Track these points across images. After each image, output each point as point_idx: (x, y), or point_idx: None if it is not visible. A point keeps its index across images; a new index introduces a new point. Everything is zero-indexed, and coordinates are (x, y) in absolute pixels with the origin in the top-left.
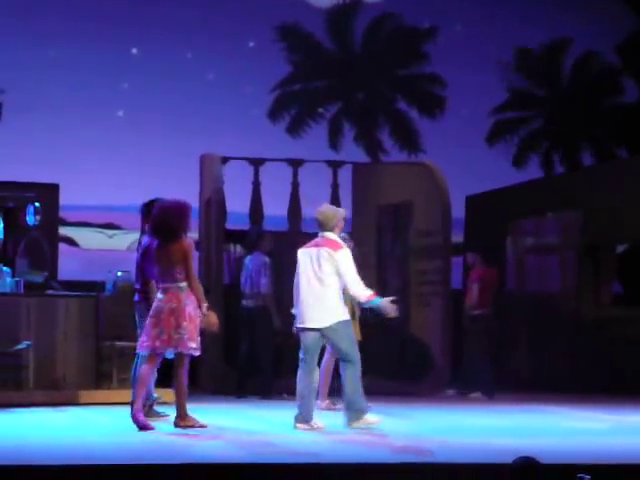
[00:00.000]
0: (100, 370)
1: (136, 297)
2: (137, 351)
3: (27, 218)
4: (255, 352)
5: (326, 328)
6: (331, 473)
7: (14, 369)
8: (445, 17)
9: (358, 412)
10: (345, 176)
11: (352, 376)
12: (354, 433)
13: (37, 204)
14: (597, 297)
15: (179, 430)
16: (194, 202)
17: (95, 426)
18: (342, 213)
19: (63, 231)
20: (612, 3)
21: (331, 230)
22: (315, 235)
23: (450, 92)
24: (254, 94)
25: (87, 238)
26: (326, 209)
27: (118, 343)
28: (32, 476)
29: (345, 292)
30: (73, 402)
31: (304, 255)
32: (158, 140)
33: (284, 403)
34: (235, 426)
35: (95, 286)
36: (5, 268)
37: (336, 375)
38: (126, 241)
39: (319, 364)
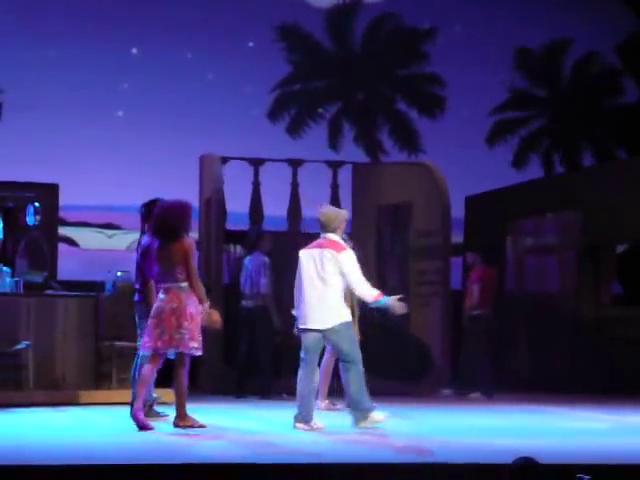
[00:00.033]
0: (100, 370)
1: (136, 297)
2: (139, 351)
3: (27, 218)
4: (254, 352)
5: (328, 329)
6: (332, 473)
7: (14, 369)
8: (445, 17)
9: (364, 411)
10: (345, 176)
11: (355, 377)
12: (355, 433)
13: (37, 204)
14: (597, 297)
15: (179, 430)
16: (194, 202)
17: (95, 426)
18: (344, 214)
19: (63, 231)
20: (612, 3)
21: (333, 231)
22: (315, 235)
23: (450, 92)
24: (254, 94)
25: (87, 238)
26: (328, 210)
27: (118, 343)
28: (32, 476)
29: (346, 292)
30: (73, 402)
31: (306, 256)
32: (158, 140)
33: (284, 403)
34: (235, 426)
35: (95, 286)
36: (5, 268)
37: (336, 375)
38: (126, 241)
39: (319, 364)
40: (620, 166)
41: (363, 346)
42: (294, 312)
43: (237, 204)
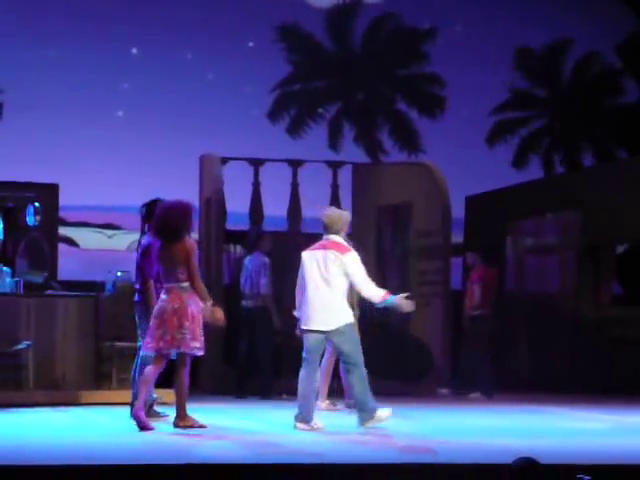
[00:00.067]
0: (100, 370)
1: (136, 297)
2: (142, 352)
3: (27, 218)
4: (255, 352)
5: (331, 331)
6: (333, 473)
7: (14, 369)
8: (445, 17)
9: (370, 411)
10: (345, 176)
11: (358, 378)
12: (356, 433)
13: (37, 204)
14: (597, 297)
15: (179, 430)
16: (194, 202)
17: (95, 426)
18: (347, 216)
19: (63, 231)
20: (612, 4)
21: (336, 233)
22: (315, 236)
23: (450, 92)
24: (254, 94)
25: (87, 238)
26: (332, 212)
27: (118, 343)
28: (32, 476)
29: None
30: (73, 402)
31: (310, 257)
32: (158, 140)
33: (284, 403)
34: (236, 426)
35: (95, 286)
36: (5, 268)
37: (336, 375)
38: (126, 241)
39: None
40: (620, 166)
41: (362, 346)
42: (296, 313)
43: (237, 204)
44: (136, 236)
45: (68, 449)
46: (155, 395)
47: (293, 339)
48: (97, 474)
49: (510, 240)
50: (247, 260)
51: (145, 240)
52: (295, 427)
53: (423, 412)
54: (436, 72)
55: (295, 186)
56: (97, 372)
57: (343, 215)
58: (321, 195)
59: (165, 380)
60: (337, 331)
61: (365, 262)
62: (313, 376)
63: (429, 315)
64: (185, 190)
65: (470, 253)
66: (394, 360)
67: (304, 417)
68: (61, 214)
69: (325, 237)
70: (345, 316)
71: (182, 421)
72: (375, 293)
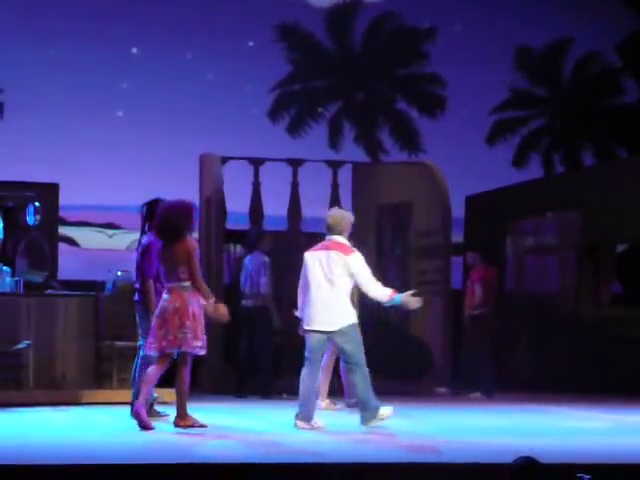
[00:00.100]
0: (100, 370)
1: (136, 297)
2: (145, 352)
3: (27, 218)
4: (255, 352)
5: (334, 331)
6: (336, 472)
7: (14, 369)
8: (445, 17)
9: (373, 410)
10: (345, 176)
11: (360, 378)
12: (357, 433)
13: (37, 204)
14: (597, 297)
15: (180, 430)
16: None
17: (95, 426)
18: (351, 217)
19: (63, 231)
20: (612, 3)
21: (340, 234)
22: (315, 235)
23: (450, 92)
24: (254, 94)
25: (87, 238)
26: (336, 213)
27: (118, 343)
28: (33, 476)
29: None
30: (73, 402)
31: (313, 258)
32: (158, 140)
33: (284, 403)
34: (237, 426)
35: (95, 286)
36: (5, 268)
37: (336, 375)
38: (126, 241)
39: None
40: (620, 166)
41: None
42: (297, 313)
43: (237, 204)
44: (136, 236)
45: (68, 449)
46: (155, 394)
47: (294, 337)
48: (98, 473)
49: (510, 240)
50: (247, 260)
51: (145, 239)
52: (296, 426)
53: (423, 411)
54: (436, 72)
55: (295, 185)
56: (97, 371)
57: (346, 216)
58: (321, 195)
59: (166, 380)
60: (340, 332)
61: (366, 262)
62: (315, 375)
63: (429, 314)
64: (185, 189)
65: (470, 252)
66: (394, 359)
67: (305, 416)
68: (61, 214)
69: (328, 237)
70: (348, 316)
71: (182, 420)
72: (382, 293)
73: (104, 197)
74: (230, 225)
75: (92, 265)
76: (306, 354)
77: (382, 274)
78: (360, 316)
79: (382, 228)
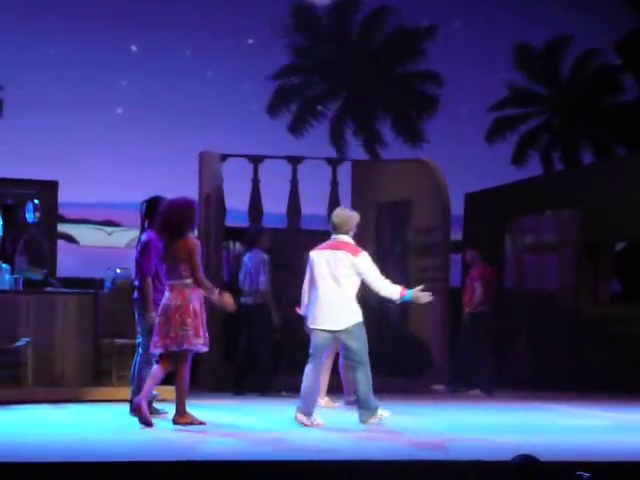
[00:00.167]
0: (99, 367)
1: (135, 294)
2: (151, 351)
3: (26, 215)
4: (254, 349)
5: (340, 330)
6: (344, 470)
7: (13, 366)
8: (445, 15)
9: (372, 409)
10: (344, 173)
11: (363, 376)
12: (362, 430)
13: (36, 201)
14: (596, 295)
15: (181, 427)
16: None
17: (95, 423)
18: (357, 217)
19: (62, 228)
20: (611, 1)
21: (346, 233)
22: (314, 233)
23: (449, 90)
24: (253, 91)
25: (86, 235)
26: (342, 212)
27: (117, 340)
28: (32, 473)
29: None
30: (72, 399)
31: (319, 257)
32: (157, 137)
33: (283, 400)
34: (238, 423)
35: (94, 283)
36: (4, 265)
37: (335, 373)
38: (125, 238)
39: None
40: (619, 164)
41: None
42: (301, 311)
43: (236, 201)
44: (135, 233)
45: (68, 446)
46: (155, 392)
47: (293, 334)
48: (97, 471)
49: (509, 237)
50: (246, 257)
51: (144, 237)
52: (296, 418)
53: (423, 409)
54: (436, 69)
55: (294, 183)
56: (96, 369)
57: (353, 215)
58: (320, 192)
59: (165, 377)
60: (346, 331)
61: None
62: (318, 372)
63: (428, 312)
64: (184, 187)
65: (469, 250)
66: (393, 357)
67: (305, 410)
68: (61, 211)
69: (334, 237)
70: (354, 315)
71: (181, 418)
72: (393, 291)
73: (103, 195)
74: (229, 222)
75: (91, 262)
76: (311, 351)
77: (382, 272)
78: (363, 314)
79: (381, 226)
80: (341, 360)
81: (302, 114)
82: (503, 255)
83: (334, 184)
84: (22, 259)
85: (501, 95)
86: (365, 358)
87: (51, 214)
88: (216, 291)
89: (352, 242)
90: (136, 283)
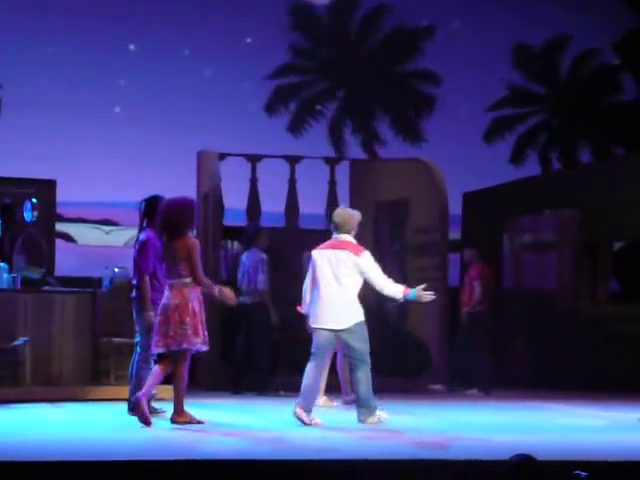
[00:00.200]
0: (97, 366)
1: (133, 293)
2: (152, 351)
3: (24, 214)
4: (252, 348)
5: (342, 330)
6: (346, 470)
7: (11, 365)
8: (443, 14)
9: (372, 409)
10: (342, 173)
11: (364, 375)
12: (361, 430)
13: (34, 200)
14: (594, 294)
15: (179, 426)
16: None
17: (94, 422)
18: (359, 216)
19: (60, 227)
20: (611, 1)
21: (348, 233)
22: (312, 232)
23: (448, 89)
24: (251, 91)
25: (84, 234)
26: (344, 212)
27: (115, 339)
28: (30, 472)
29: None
30: (70, 398)
31: (321, 256)
32: (155, 137)
33: (281, 400)
34: (237, 423)
35: (92, 282)
36: (2, 264)
37: (333, 372)
38: (123, 237)
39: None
40: (618, 163)
41: None
42: (303, 310)
43: (234, 200)
44: (134, 232)
45: (67, 445)
46: (153, 391)
47: (292, 333)
48: (96, 470)
49: (507, 237)
50: (244, 256)
51: (143, 236)
52: (294, 413)
53: (421, 409)
54: (434, 69)
55: (292, 182)
56: (94, 368)
57: (354, 215)
58: (318, 191)
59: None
60: (348, 330)
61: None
62: (320, 371)
63: (427, 312)
64: (182, 186)
65: (467, 250)
66: (392, 357)
67: (304, 406)
68: (59, 210)
69: (335, 236)
70: (356, 315)
71: (180, 417)
72: (396, 290)
73: (101, 194)
74: (227, 222)
75: (89, 262)
76: (313, 350)
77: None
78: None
79: (380, 225)
80: (339, 359)
81: (300, 113)
82: (501, 254)
83: (332, 183)
84: (20, 258)
85: (499, 95)
86: (367, 357)
87: (49, 213)
88: (216, 288)
89: (354, 241)
90: (134, 282)
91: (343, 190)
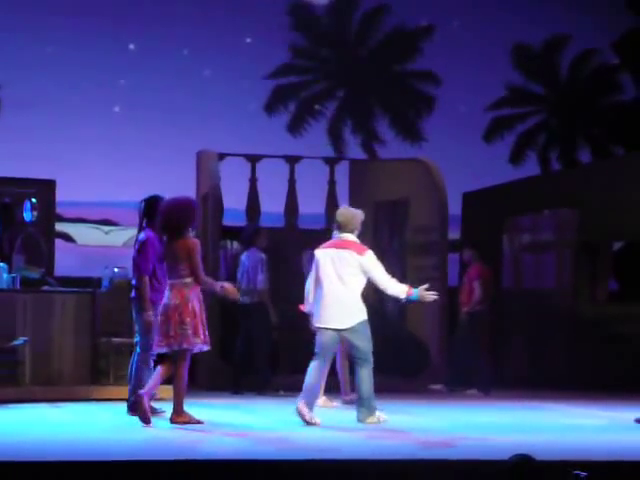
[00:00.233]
0: (97, 366)
1: (132, 293)
2: (154, 351)
3: (24, 214)
4: (251, 348)
5: (346, 329)
6: (353, 469)
7: (11, 365)
8: (443, 14)
9: (372, 409)
10: (342, 173)
11: (368, 374)
12: (359, 429)
13: (34, 200)
14: (593, 294)
15: (179, 426)
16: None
17: (94, 422)
18: (362, 215)
19: (60, 227)
20: (610, 1)
21: (351, 232)
22: (311, 232)
23: (447, 89)
24: (251, 90)
25: (83, 234)
26: (346, 211)
27: (114, 339)
28: (30, 472)
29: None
30: (70, 398)
31: (324, 255)
32: (155, 136)
33: (281, 400)
34: (237, 423)
35: (91, 282)
36: (2, 264)
37: (333, 372)
38: (122, 237)
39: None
40: (617, 163)
41: None
42: (307, 309)
43: (234, 200)
44: (133, 232)
45: (67, 445)
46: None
47: (291, 333)
48: (95, 470)
49: (507, 237)
50: (244, 256)
51: (142, 236)
52: (297, 407)
53: (421, 409)
54: (434, 69)
55: (292, 182)
56: (94, 368)
57: (357, 214)
58: (318, 191)
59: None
60: (352, 329)
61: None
62: (323, 369)
63: (426, 312)
64: (182, 186)
65: (467, 249)
66: (391, 356)
67: (307, 402)
68: (58, 210)
69: (338, 236)
70: (360, 314)
71: (179, 417)
72: (400, 290)
73: (101, 193)
74: (227, 222)
75: (89, 262)
76: (316, 350)
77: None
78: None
79: (379, 225)
80: (338, 360)
81: (300, 113)
82: (501, 254)
83: (332, 183)
84: (20, 258)
85: (499, 94)
86: (370, 357)
87: (49, 213)
88: (218, 284)
89: (357, 241)
90: (133, 282)
91: (343, 190)
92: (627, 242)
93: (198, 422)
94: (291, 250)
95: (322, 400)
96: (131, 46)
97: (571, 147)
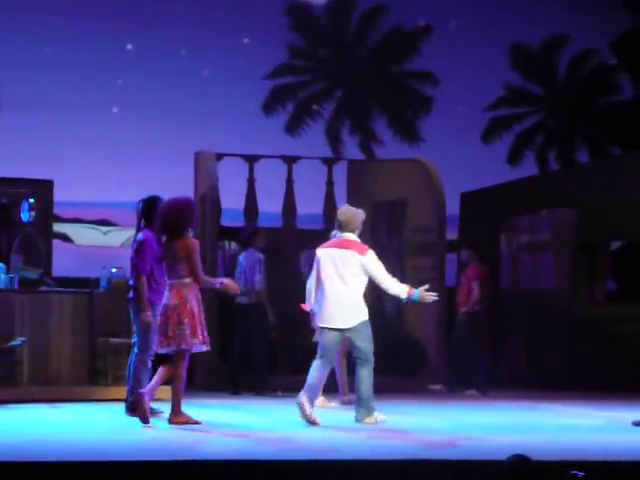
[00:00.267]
0: (95, 367)
1: (130, 294)
2: (156, 351)
3: (21, 214)
4: (249, 349)
5: (348, 329)
6: (354, 470)
7: (9, 365)
8: (441, 14)
9: (370, 409)
10: (340, 173)
11: (368, 374)
12: (358, 430)
13: (31, 200)
14: (591, 294)
15: (177, 427)
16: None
17: (92, 423)
18: (363, 215)
19: (57, 227)
20: (608, 1)
21: (352, 231)
22: (310, 232)
23: (445, 89)
24: (249, 91)
25: (81, 234)
26: (348, 210)
27: (112, 340)
28: (28, 473)
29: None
30: (68, 398)
31: (325, 255)
32: (153, 137)
33: (279, 400)
34: (236, 423)
35: (89, 283)
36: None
37: (331, 373)
38: (120, 237)
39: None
40: (615, 163)
41: None
42: (309, 308)
43: (232, 201)
44: (131, 232)
45: (65, 446)
46: None
47: (289, 333)
48: (94, 471)
49: (505, 237)
50: (242, 256)
51: (140, 236)
52: (299, 400)
53: (419, 409)
54: (432, 69)
55: (290, 182)
56: (92, 368)
57: (359, 213)
58: (316, 192)
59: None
60: (354, 329)
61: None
62: (325, 368)
63: (424, 312)
64: (180, 186)
65: (465, 250)
66: (389, 356)
67: (310, 397)
68: (56, 210)
69: (339, 235)
70: (361, 314)
71: (177, 417)
72: (401, 290)
73: (99, 194)
74: (225, 222)
75: (86, 262)
76: (319, 349)
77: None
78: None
79: (377, 225)
80: (337, 360)
81: (298, 113)
82: (499, 255)
83: (330, 184)
84: (17, 258)
85: (497, 95)
86: (371, 357)
87: (46, 213)
88: (217, 282)
89: (358, 240)
90: (131, 282)
91: (341, 190)
92: (625, 242)
93: (196, 423)
94: (289, 250)
95: (320, 400)
96: (129, 46)
97: (569, 147)
